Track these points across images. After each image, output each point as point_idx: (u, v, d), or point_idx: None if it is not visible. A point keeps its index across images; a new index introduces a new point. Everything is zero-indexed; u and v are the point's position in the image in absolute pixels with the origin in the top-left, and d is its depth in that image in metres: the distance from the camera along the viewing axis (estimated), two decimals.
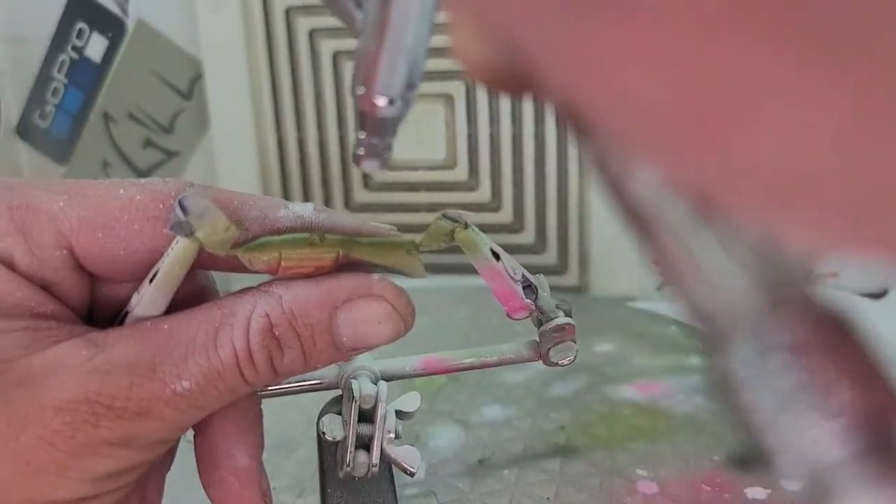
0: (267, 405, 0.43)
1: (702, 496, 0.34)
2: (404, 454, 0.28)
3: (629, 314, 0.55)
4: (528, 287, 0.26)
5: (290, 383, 0.28)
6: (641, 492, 0.34)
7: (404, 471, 0.28)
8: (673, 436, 0.39)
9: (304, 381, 0.29)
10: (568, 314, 0.27)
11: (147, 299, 0.22)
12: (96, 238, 0.21)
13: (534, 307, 0.27)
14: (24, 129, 0.75)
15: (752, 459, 0.23)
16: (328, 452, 0.29)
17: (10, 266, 0.21)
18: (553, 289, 0.62)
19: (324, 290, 0.22)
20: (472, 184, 0.68)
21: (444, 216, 0.24)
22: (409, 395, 0.30)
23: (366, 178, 0.69)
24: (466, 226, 0.24)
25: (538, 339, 0.29)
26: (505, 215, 0.68)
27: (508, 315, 0.26)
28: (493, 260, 0.25)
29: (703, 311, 0.14)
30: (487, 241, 0.25)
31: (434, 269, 0.71)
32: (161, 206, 0.22)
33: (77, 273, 0.22)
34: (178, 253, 0.21)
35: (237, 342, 0.21)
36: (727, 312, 0.14)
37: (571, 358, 0.28)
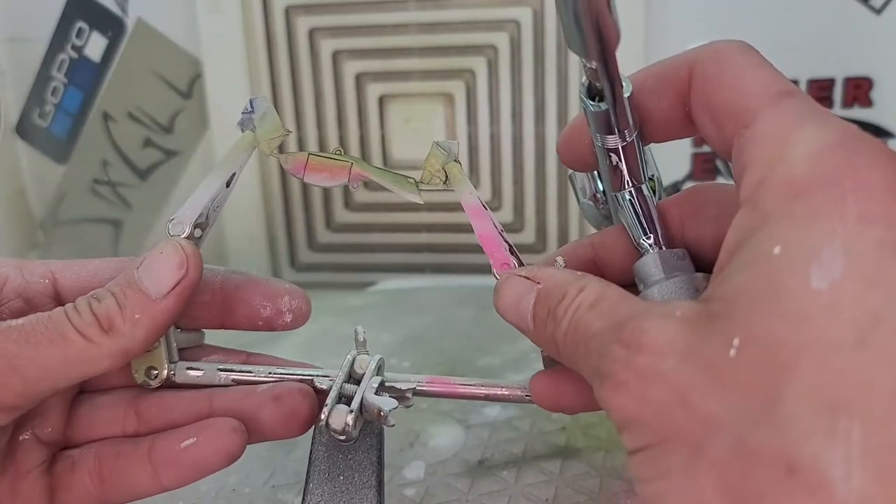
0: None
1: None
2: (380, 401, 0.27)
3: None
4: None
5: (294, 373, 0.29)
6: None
7: (381, 419, 0.27)
8: None
9: (310, 374, 0.29)
10: None
11: (212, 175, 0.28)
12: (74, 271, 0.29)
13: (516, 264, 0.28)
14: (24, 129, 0.75)
15: None
16: (318, 443, 0.29)
17: (3, 284, 0.28)
18: None
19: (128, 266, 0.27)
20: (472, 183, 0.68)
21: (437, 144, 0.28)
22: (408, 376, 0.30)
23: None
24: (456, 160, 0.28)
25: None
26: (505, 214, 0.68)
27: (495, 270, 0.27)
28: (478, 199, 0.28)
29: None
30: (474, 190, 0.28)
31: (435, 269, 0.71)
32: None
33: (53, 300, 0.28)
34: (239, 141, 0.28)
35: (66, 306, 0.26)
36: None
37: None
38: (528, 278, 0.25)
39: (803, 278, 0.17)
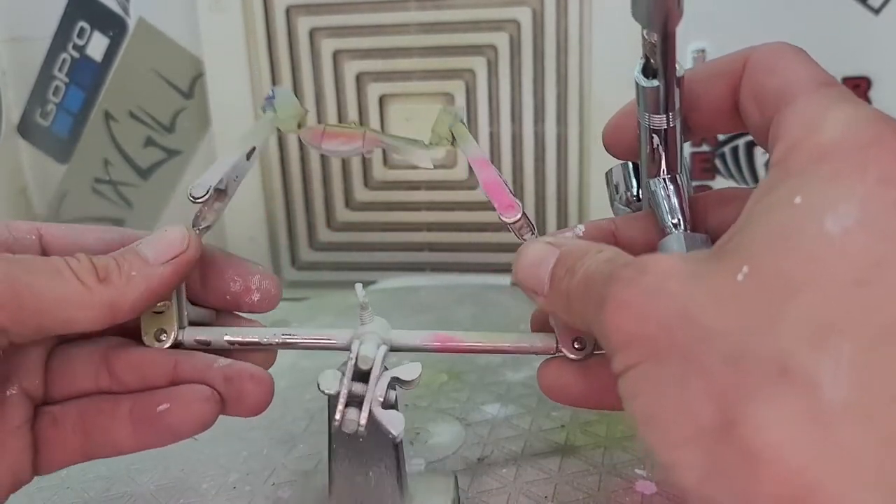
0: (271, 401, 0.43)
1: None
2: (389, 418, 0.28)
3: None
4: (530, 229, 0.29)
5: (302, 338, 0.31)
6: (639, 491, 0.35)
7: (387, 434, 0.28)
8: None
9: (317, 338, 0.31)
10: None
11: (233, 147, 0.30)
12: (60, 230, 0.30)
13: (522, 213, 0.29)
14: (26, 128, 0.75)
15: None
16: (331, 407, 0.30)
17: None
18: None
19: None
20: (471, 182, 0.68)
21: (444, 109, 0.31)
22: (411, 364, 0.29)
23: (366, 177, 0.69)
24: (462, 121, 0.30)
25: (556, 332, 0.29)
26: None
27: (500, 216, 0.29)
28: (482, 152, 0.30)
29: None
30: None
31: (436, 268, 0.71)
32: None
33: (41, 254, 0.29)
34: (261, 120, 0.30)
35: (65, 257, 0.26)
36: None
37: (589, 351, 0.29)
38: (550, 244, 0.26)
39: (818, 223, 0.19)
